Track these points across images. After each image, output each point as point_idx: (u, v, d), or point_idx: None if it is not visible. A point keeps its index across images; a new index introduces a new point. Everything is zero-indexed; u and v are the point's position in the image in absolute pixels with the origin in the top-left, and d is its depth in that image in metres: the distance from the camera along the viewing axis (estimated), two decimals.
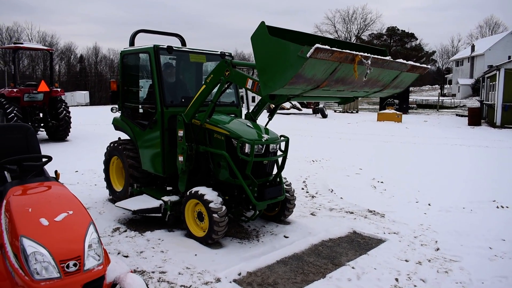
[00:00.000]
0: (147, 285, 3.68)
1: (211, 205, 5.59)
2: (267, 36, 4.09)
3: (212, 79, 5.78)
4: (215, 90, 5.87)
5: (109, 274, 3.57)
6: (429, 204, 8.08)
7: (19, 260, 3.09)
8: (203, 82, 6.06)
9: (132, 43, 7.46)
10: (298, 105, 36.04)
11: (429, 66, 5.73)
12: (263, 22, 4.10)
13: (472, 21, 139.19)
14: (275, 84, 4.19)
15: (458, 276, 5.02)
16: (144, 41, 6.75)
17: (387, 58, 4.58)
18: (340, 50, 3.94)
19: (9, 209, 3.45)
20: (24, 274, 3.04)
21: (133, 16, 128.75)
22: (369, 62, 4.25)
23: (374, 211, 7.59)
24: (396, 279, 4.93)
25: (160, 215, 6.37)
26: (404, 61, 4.95)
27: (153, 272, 4.97)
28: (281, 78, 4.09)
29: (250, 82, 5.26)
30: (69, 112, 16.66)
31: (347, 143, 17.19)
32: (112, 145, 7.71)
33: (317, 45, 3.69)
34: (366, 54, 4.26)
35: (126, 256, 5.40)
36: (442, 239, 6.22)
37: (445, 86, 74.88)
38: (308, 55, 3.71)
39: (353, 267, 5.18)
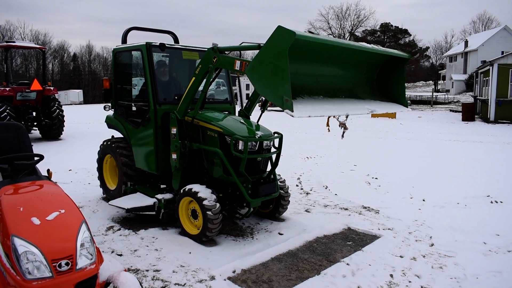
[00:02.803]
0: (141, 284, 3.65)
1: (205, 202, 5.57)
2: (284, 51, 4.08)
3: (200, 69, 5.82)
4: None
5: (103, 273, 3.55)
6: (423, 200, 8.09)
7: (10, 260, 3.06)
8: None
9: (124, 40, 7.41)
10: None
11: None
12: (293, 33, 4.00)
13: (465, 16, 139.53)
14: (258, 84, 4.50)
15: (452, 272, 5.03)
16: (137, 39, 6.73)
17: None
18: (316, 115, 4.41)
19: (0, 209, 3.42)
20: (15, 274, 3.01)
21: (126, 14, 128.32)
22: (345, 125, 5.01)
23: (369, 207, 7.60)
24: (391, 275, 4.93)
25: (154, 213, 6.34)
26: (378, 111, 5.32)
27: (147, 270, 4.95)
28: (264, 89, 4.43)
29: (238, 63, 5.33)
30: (62, 111, 16.59)
31: (341, 140, 17.18)
32: (105, 143, 7.67)
33: (296, 112, 4.12)
34: (343, 120, 4.93)
35: (120, 255, 5.38)
36: (436, 235, 6.23)
37: (439, 82, 74.97)
38: (285, 109, 4.17)
39: (347, 264, 5.17)
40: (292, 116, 4.18)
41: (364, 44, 5.17)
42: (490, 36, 61.51)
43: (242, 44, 5.66)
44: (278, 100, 4.27)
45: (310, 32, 4.78)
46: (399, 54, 5.73)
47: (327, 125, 5.25)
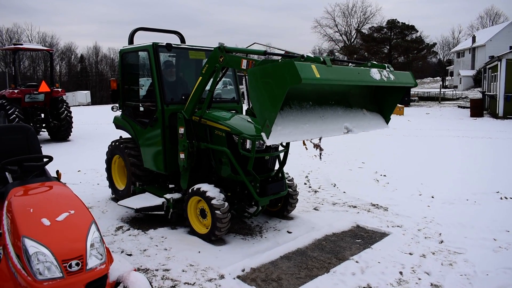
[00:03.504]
0: (150, 283, 3.67)
1: (213, 201, 5.58)
2: (285, 87, 4.04)
3: (207, 68, 5.80)
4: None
5: (113, 272, 3.57)
6: (432, 197, 8.05)
7: (21, 260, 3.09)
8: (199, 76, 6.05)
9: (131, 41, 7.43)
10: None
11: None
12: (300, 79, 3.89)
13: (472, 12, 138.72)
14: (252, 90, 4.43)
15: (462, 268, 5.01)
16: (143, 40, 6.75)
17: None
18: (290, 140, 4.64)
19: (11, 210, 3.45)
20: (26, 274, 3.03)
21: (132, 15, 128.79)
22: (319, 146, 5.27)
23: (377, 204, 7.58)
24: (401, 273, 4.92)
25: (162, 213, 6.36)
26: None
27: (156, 270, 4.97)
28: (254, 99, 4.40)
29: (244, 62, 5.30)
30: (70, 112, 16.67)
31: (349, 137, 17.12)
32: (113, 144, 7.70)
33: (270, 139, 4.23)
34: (318, 142, 5.23)
35: (130, 255, 5.41)
36: (446, 232, 6.21)
37: (447, 78, 74.58)
38: (262, 132, 4.29)
39: (357, 261, 5.16)
40: (264, 142, 4.34)
41: (375, 74, 4.95)
42: (498, 31, 61.10)
43: (254, 44, 5.68)
44: (261, 119, 4.32)
45: (323, 61, 4.58)
46: (408, 83, 5.57)
47: (304, 144, 5.36)
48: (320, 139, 5.08)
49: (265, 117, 4.25)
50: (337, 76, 4.47)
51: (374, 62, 5.51)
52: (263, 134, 4.27)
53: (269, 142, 4.25)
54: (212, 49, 7.19)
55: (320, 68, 4.23)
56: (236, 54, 5.76)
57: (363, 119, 5.62)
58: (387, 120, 5.98)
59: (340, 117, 5.30)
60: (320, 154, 5.38)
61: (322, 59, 4.49)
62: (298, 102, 4.87)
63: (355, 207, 7.48)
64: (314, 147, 5.27)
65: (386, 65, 5.45)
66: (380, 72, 5.03)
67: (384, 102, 5.96)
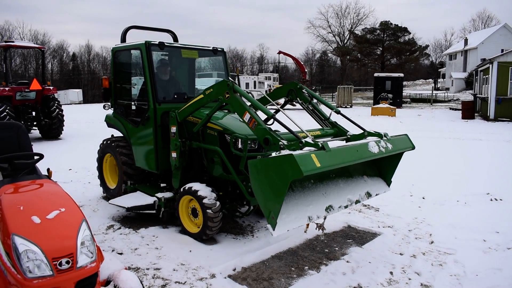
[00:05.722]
0: (141, 282, 3.66)
1: (205, 201, 5.57)
2: (287, 180, 4.01)
3: (211, 93, 5.63)
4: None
5: (103, 271, 3.56)
6: (423, 198, 8.10)
7: (11, 258, 3.07)
8: (200, 92, 5.84)
9: (123, 39, 7.41)
10: None
11: None
12: (301, 173, 3.86)
13: (464, 14, 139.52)
14: (254, 181, 4.39)
15: (452, 269, 5.04)
16: (136, 38, 6.72)
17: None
18: (295, 227, 4.38)
19: (1, 208, 3.42)
20: (16, 272, 3.01)
21: (125, 14, 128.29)
22: (323, 226, 5.22)
23: (369, 205, 7.60)
24: (391, 273, 4.94)
25: (154, 211, 6.35)
26: None
27: (147, 268, 4.96)
28: (257, 190, 4.36)
29: (247, 116, 5.04)
30: (62, 110, 16.57)
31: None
32: (105, 142, 7.67)
33: (276, 231, 4.16)
34: (321, 223, 5.21)
35: (121, 253, 5.39)
36: (436, 232, 6.24)
37: (439, 80, 74.94)
38: (268, 224, 4.24)
39: (347, 261, 5.18)
40: (271, 234, 4.22)
41: (373, 148, 4.95)
42: (489, 34, 61.56)
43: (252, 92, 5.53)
44: (265, 211, 4.26)
45: (321, 147, 4.46)
46: (406, 148, 5.65)
47: (306, 226, 5.07)
48: (324, 219, 5.13)
49: (269, 209, 4.21)
50: (338, 160, 4.41)
51: (370, 131, 5.56)
52: (268, 226, 4.22)
53: (275, 233, 4.19)
54: (205, 48, 7.19)
55: (320, 155, 4.17)
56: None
57: (365, 187, 5.59)
58: (388, 182, 5.99)
59: (342, 189, 5.23)
60: (323, 233, 5.43)
61: (320, 145, 4.33)
62: (300, 183, 4.83)
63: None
64: (316, 228, 5.23)
65: (382, 133, 5.43)
66: (378, 144, 5.03)
67: (383, 166, 5.96)
